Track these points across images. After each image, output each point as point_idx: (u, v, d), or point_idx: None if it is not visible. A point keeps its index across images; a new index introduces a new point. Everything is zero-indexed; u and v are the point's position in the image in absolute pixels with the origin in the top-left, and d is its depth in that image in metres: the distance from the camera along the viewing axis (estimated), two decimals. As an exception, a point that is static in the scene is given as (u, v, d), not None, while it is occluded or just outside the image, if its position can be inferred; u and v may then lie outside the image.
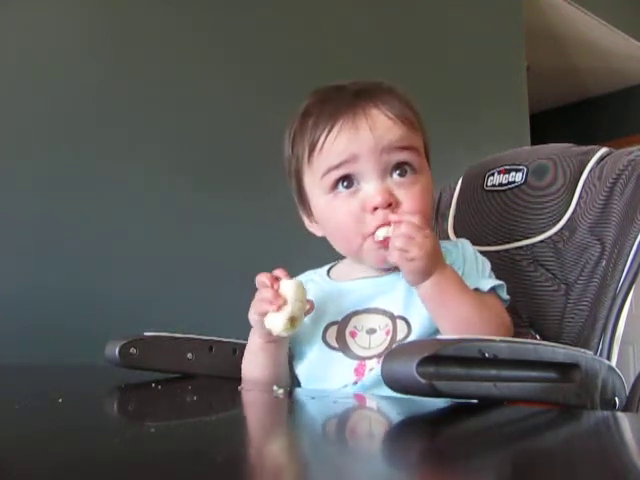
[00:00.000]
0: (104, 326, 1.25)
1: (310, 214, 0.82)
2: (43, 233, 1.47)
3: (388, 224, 0.72)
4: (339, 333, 0.78)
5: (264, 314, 0.73)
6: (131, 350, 0.78)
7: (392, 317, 0.76)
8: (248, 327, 0.86)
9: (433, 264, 0.71)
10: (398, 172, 0.75)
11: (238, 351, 0.87)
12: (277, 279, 0.74)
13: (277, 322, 0.71)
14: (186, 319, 1.49)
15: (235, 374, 0.83)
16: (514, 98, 2.77)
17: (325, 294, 0.81)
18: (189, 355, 0.83)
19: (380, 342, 0.76)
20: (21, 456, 0.38)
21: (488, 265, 0.81)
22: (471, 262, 0.80)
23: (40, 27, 1.53)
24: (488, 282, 0.77)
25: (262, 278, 0.74)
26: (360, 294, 0.79)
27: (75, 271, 1.49)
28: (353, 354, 0.76)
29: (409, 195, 0.74)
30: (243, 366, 0.83)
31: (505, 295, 0.79)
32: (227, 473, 0.33)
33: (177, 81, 1.73)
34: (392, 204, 0.73)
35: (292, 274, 0.90)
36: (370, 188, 0.74)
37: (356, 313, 0.78)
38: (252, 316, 0.76)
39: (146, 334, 0.81)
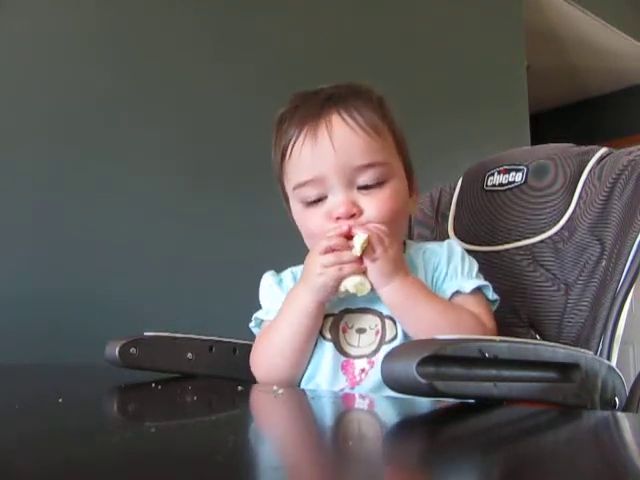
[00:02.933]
0: (104, 326, 1.25)
1: None
2: (43, 233, 1.47)
3: (349, 237, 0.73)
4: (333, 325, 0.78)
5: (342, 278, 0.72)
6: (131, 350, 0.78)
7: (381, 316, 0.77)
8: (248, 327, 0.87)
9: (395, 269, 0.73)
10: (364, 185, 0.76)
11: (238, 351, 0.87)
12: (348, 238, 0.73)
13: (363, 282, 0.72)
14: (186, 319, 1.49)
15: (235, 374, 0.83)
16: (514, 98, 2.77)
17: None
18: (189, 355, 0.83)
19: (369, 342, 0.76)
20: (21, 456, 0.38)
21: (476, 266, 0.81)
22: (456, 263, 0.80)
23: (43, 29, 1.53)
24: (472, 283, 0.78)
25: (338, 241, 0.72)
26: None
27: (75, 271, 1.49)
28: (341, 349, 0.77)
29: (373, 203, 0.75)
30: (265, 353, 0.78)
31: (492, 295, 0.79)
32: (227, 473, 0.33)
33: (177, 81, 1.73)
34: (355, 214, 0.75)
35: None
36: (335, 199, 0.76)
37: (348, 311, 0.78)
38: (327, 281, 0.73)
39: (146, 334, 0.81)
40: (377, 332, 0.76)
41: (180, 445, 0.40)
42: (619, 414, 0.60)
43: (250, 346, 0.84)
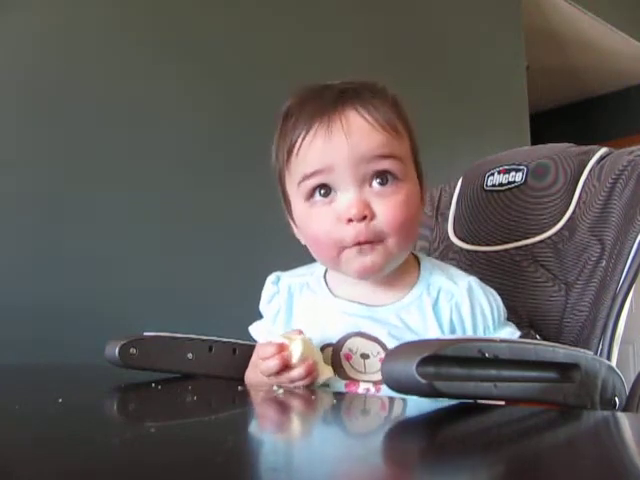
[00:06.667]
0: (104, 326, 1.25)
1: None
2: (43, 233, 1.47)
3: (361, 243, 0.70)
4: (334, 355, 0.75)
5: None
6: (131, 350, 0.78)
7: (385, 349, 0.74)
8: (248, 327, 0.87)
9: None
10: (378, 180, 0.70)
11: (238, 351, 0.87)
12: (282, 349, 0.69)
13: (326, 380, 0.72)
14: (186, 319, 1.49)
15: (235, 374, 0.83)
16: (514, 98, 2.77)
17: (321, 308, 0.79)
18: (189, 355, 0.83)
19: (376, 369, 0.73)
20: (20, 457, 0.38)
21: (503, 309, 0.77)
22: (492, 317, 0.75)
23: (42, 29, 1.53)
24: (509, 330, 0.76)
25: (273, 363, 0.69)
26: (356, 316, 0.76)
27: (75, 271, 1.49)
28: (347, 376, 0.75)
29: (387, 206, 0.70)
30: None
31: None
32: (227, 474, 0.33)
33: (177, 79, 1.73)
34: (367, 216, 0.69)
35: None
36: (345, 199, 0.70)
37: (350, 336, 0.75)
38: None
39: (146, 334, 0.81)
40: (381, 360, 0.73)
41: (180, 445, 0.40)
42: (619, 414, 0.60)
43: (250, 347, 0.84)
